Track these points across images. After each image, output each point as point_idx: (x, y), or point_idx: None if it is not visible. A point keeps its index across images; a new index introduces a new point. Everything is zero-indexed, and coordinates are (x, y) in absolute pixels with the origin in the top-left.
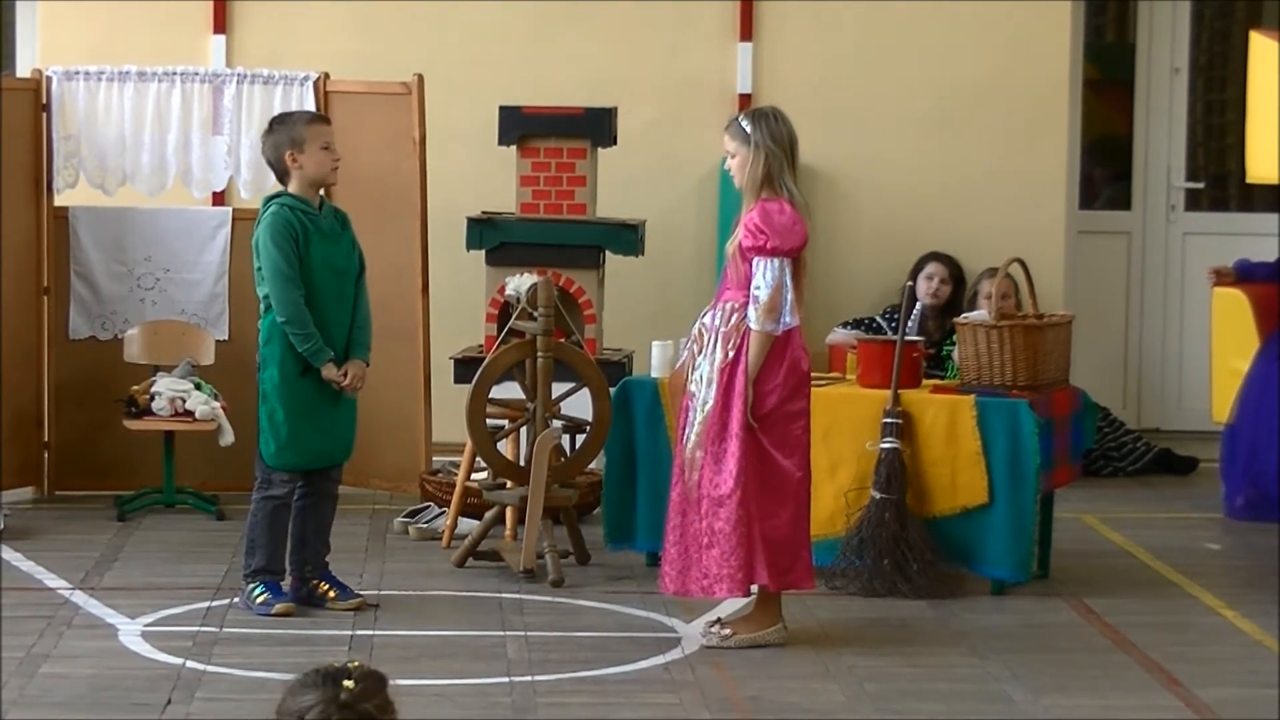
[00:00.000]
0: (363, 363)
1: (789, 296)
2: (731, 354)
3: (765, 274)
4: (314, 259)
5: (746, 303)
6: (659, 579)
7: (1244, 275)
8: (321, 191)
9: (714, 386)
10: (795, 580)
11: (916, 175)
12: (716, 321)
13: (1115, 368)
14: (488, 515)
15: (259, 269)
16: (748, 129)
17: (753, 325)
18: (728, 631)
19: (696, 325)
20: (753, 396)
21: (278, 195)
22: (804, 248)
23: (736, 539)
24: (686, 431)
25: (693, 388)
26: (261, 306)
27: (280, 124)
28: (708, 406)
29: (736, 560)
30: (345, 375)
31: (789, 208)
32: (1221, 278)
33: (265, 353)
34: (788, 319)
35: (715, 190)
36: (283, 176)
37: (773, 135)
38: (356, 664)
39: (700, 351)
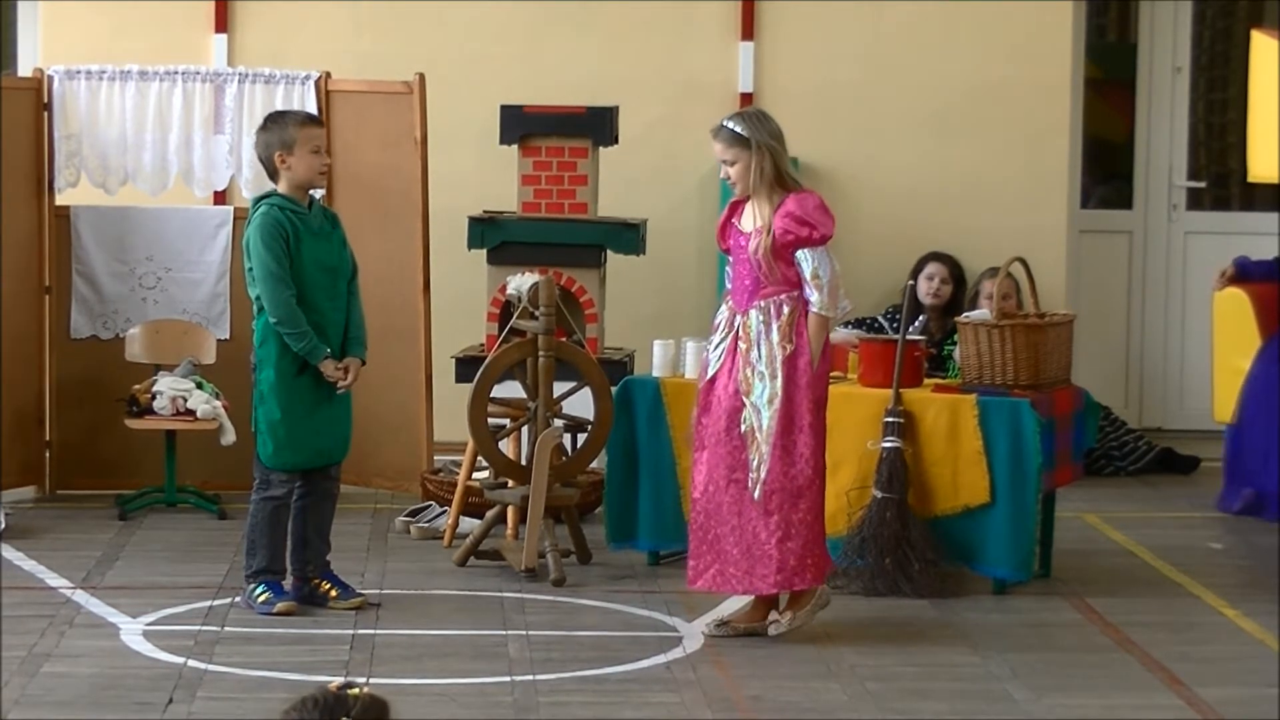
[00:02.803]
0: (359, 361)
1: (839, 281)
2: (790, 347)
3: (818, 262)
4: (304, 258)
5: (791, 297)
6: (717, 580)
7: (1242, 274)
8: (320, 191)
9: (778, 379)
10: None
11: (918, 175)
12: (761, 319)
13: (1117, 367)
14: (489, 514)
15: (250, 270)
16: (742, 131)
17: (823, 311)
18: (788, 614)
19: (728, 328)
20: (820, 399)
21: (267, 195)
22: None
23: (819, 528)
24: (751, 429)
25: (744, 385)
26: (254, 308)
27: (274, 122)
28: (775, 402)
29: (820, 549)
30: (345, 373)
31: (816, 196)
32: (1226, 280)
33: (261, 354)
34: (844, 302)
35: (717, 189)
36: (273, 175)
37: (768, 131)
38: (356, 690)
39: (749, 348)
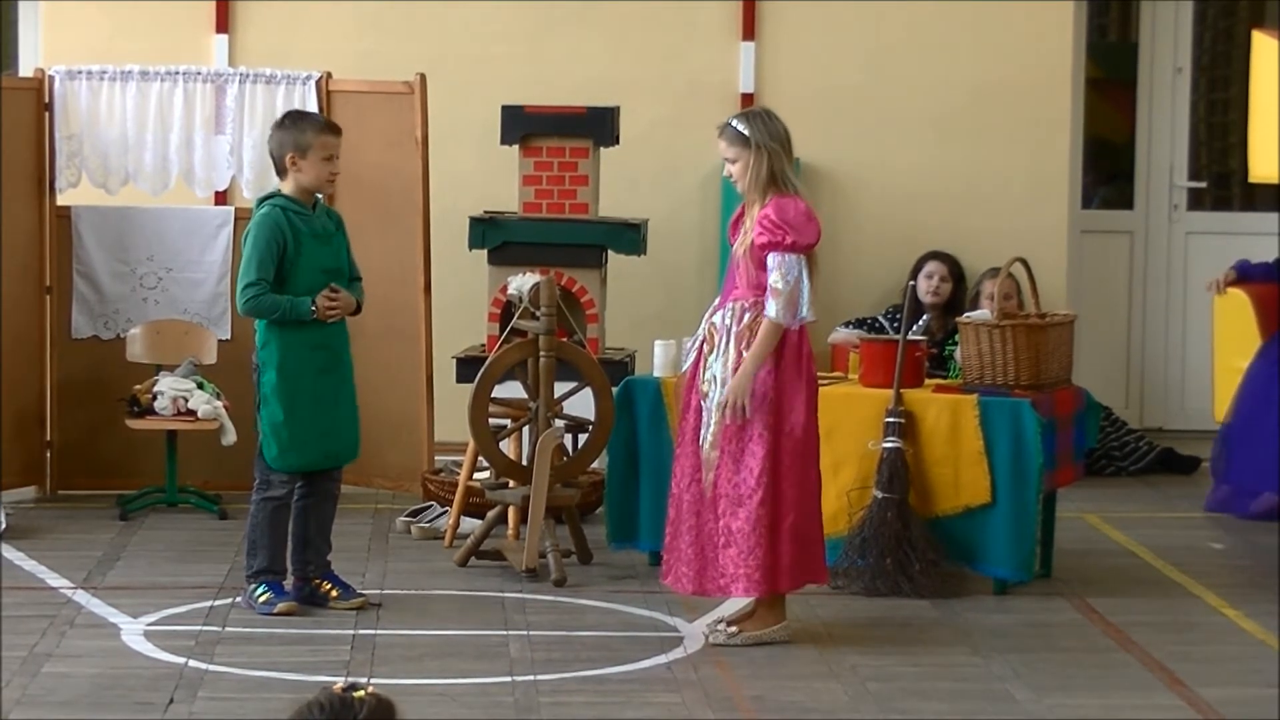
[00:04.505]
0: (353, 297)
1: (806, 291)
2: (746, 353)
3: (783, 268)
4: (305, 261)
5: (757, 301)
6: (674, 578)
7: (1242, 275)
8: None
9: (728, 386)
10: (814, 574)
11: (919, 175)
12: (727, 321)
13: (1118, 367)
14: (490, 514)
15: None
16: (744, 131)
17: (771, 315)
18: (734, 629)
19: (704, 325)
20: (784, 407)
21: (271, 196)
22: (818, 243)
23: (755, 539)
24: (702, 432)
25: (705, 387)
26: None
27: (293, 122)
28: (723, 408)
29: (755, 560)
30: (336, 293)
31: (802, 203)
32: (1225, 283)
33: (263, 356)
34: (805, 313)
35: (718, 189)
36: (280, 173)
37: (770, 133)
38: (362, 693)
39: (711, 351)
